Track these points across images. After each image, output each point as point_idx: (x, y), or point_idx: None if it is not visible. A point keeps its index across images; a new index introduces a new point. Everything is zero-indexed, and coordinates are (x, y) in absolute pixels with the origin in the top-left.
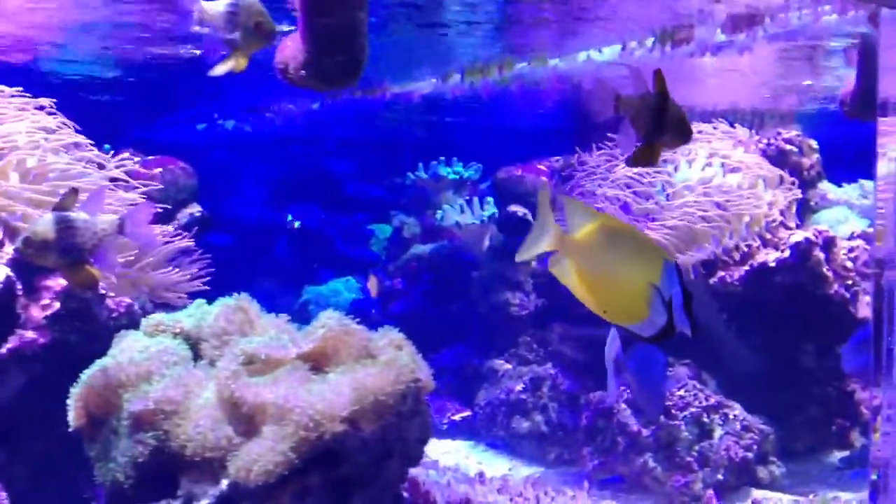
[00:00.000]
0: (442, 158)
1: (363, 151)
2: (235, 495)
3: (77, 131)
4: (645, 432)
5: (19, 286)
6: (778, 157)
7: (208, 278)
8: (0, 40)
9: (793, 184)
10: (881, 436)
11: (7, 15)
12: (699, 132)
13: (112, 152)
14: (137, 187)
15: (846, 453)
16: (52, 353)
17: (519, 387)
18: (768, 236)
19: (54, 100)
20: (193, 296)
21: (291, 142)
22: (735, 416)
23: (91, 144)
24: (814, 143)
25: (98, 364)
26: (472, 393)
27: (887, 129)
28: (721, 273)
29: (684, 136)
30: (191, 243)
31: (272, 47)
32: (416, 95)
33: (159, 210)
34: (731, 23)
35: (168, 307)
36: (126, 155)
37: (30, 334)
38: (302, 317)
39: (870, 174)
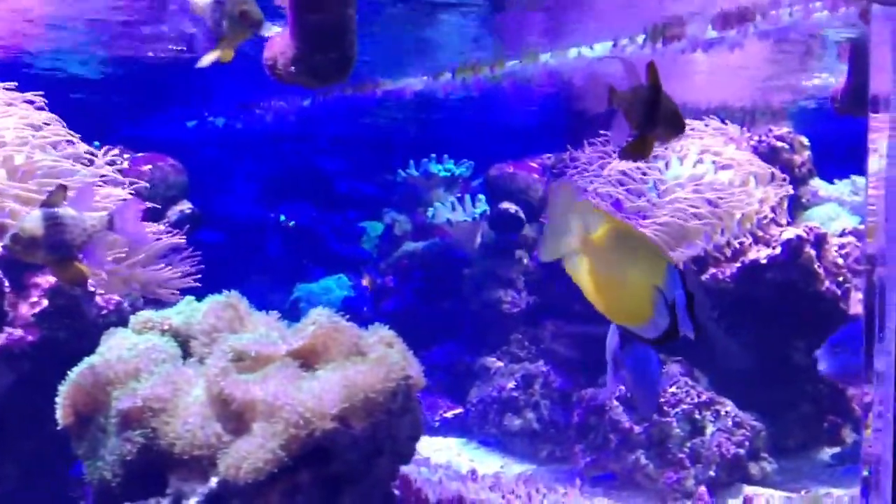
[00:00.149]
0: (433, 156)
1: (355, 149)
2: (225, 493)
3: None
4: (637, 429)
5: (7, 283)
6: (769, 154)
7: (199, 275)
8: None
9: (784, 181)
10: (873, 432)
11: None
12: (691, 129)
13: (103, 150)
14: (125, 185)
15: (837, 450)
16: (40, 350)
17: (511, 384)
18: (760, 233)
19: (41, 92)
20: (184, 293)
21: (282, 139)
22: (727, 412)
23: (79, 138)
24: (805, 140)
25: (86, 362)
26: (464, 390)
27: (878, 126)
28: (712, 270)
29: (677, 128)
30: (182, 240)
31: (262, 41)
32: (407, 92)
33: (149, 207)
34: (721, 19)
35: (159, 304)
36: (116, 152)
37: (18, 332)
38: (293, 315)
39: (861, 170)
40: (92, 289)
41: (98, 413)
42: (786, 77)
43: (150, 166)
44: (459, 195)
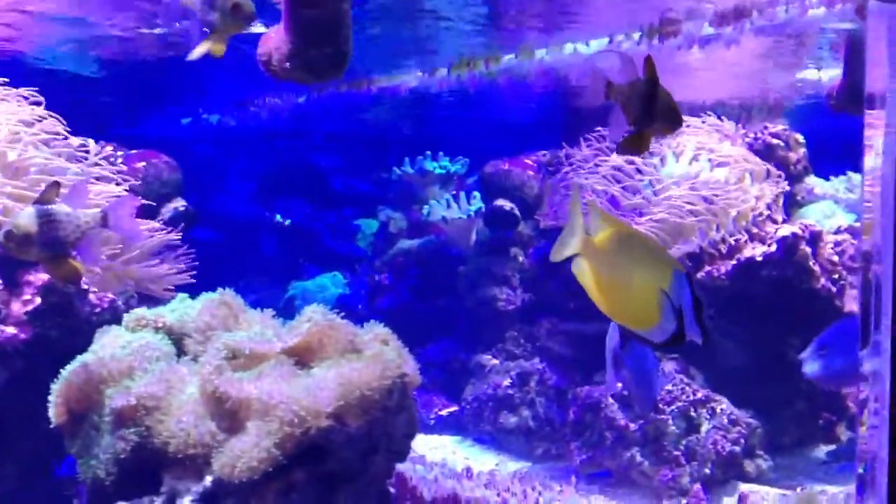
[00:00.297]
0: (428, 153)
1: (349, 146)
2: (219, 492)
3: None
4: (632, 427)
5: (0, 281)
6: (765, 151)
7: (194, 272)
8: None
9: (779, 178)
10: (868, 429)
11: None
12: (687, 126)
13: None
14: (119, 182)
15: (833, 447)
16: (33, 348)
17: (506, 382)
18: (755, 230)
19: (36, 88)
20: (179, 290)
21: (277, 136)
22: (722, 410)
23: (70, 132)
24: (800, 138)
25: (79, 360)
26: (460, 388)
27: (874, 123)
28: (708, 267)
29: (674, 123)
30: (177, 237)
31: (255, 37)
32: (402, 89)
33: (143, 204)
34: (718, 16)
35: (153, 301)
36: (110, 149)
37: (11, 330)
38: (288, 312)
39: (857, 167)
40: (85, 286)
41: (91, 411)
42: (782, 74)
43: (143, 163)
44: (454, 192)
